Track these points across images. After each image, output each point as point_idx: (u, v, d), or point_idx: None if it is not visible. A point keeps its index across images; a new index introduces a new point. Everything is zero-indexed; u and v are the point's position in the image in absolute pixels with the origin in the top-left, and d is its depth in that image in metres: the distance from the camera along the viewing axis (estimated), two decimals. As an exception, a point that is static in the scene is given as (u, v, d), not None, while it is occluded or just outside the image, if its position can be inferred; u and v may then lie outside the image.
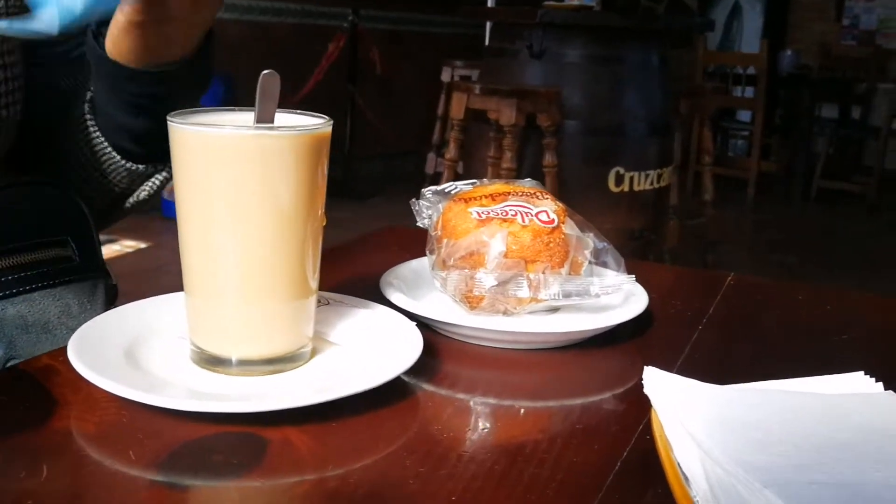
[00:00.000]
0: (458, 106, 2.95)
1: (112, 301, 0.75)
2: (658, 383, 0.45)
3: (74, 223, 0.72)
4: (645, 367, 0.47)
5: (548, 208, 0.63)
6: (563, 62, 2.99)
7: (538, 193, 0.65)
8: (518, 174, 2.90)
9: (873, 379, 0.46)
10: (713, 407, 0.42)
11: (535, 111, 2.81)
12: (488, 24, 3.84)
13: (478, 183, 0.69)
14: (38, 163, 0.78)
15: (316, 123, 0.50)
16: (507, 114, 2.78)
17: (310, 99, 4.39)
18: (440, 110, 4.15)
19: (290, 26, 4.86)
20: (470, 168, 3.11)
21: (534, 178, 2.71)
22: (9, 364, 0.64)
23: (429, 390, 0.54)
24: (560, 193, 2.92)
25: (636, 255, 3.13)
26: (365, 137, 4.99)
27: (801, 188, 5.58)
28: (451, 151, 3.02)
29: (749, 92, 5.60)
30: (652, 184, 3.20)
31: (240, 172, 0.47)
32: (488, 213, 0.63)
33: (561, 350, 0.61)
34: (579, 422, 0.52)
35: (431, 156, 4.42)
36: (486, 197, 0.64)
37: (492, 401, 0.54)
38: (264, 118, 0.49)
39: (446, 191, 0.69)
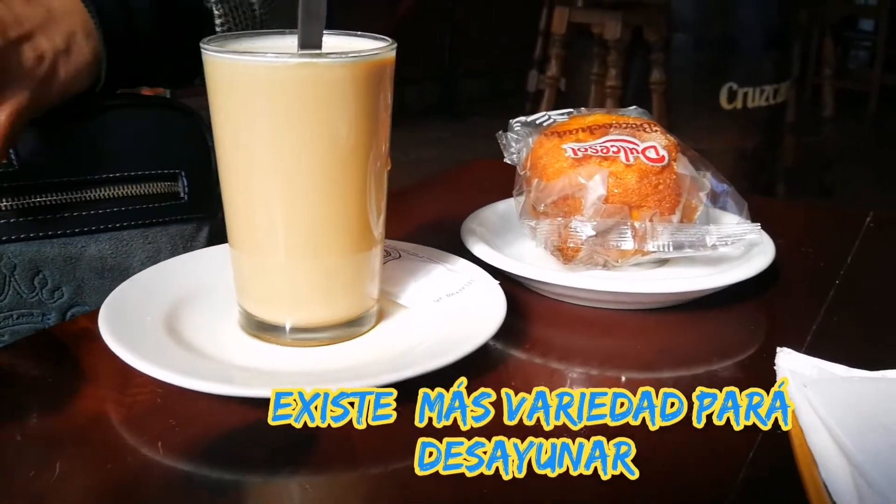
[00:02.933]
0: (559, 20, 2.81)
1: (213, 237, 0.67)
2: (793, 366, 0.36)
3: (193, 153, 0.65)
4: (778, 350, 0.37)
5: (657, 143, 0.54)
6: (673, -30, 2.80)
7: (646, 125, 0.56)
8: (623, 92, 2.75)
9: None
10: (856, 396, 0.33)
11: (642, 24, 2.66)
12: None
13: (574, 113, 0.59)
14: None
15: (374, 48, 0.41)
16: (611, 28, 2.63)
17: (409, 15, 4.27)
18: (542, 24, 3.98)
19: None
20: (573, 86, 2.98)
21: (640, 96, 2.55)
22: (70, 314, 0.59)
23: (517, 358, 0.47)
24: (668, 112, 2.77)
25: (748, 177, 2.96)
26: (465, 54, 4.85)
27: (931, 102, 5.17)
28: (552, 69, 2.89)
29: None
30: (767, 100, 3.00)
31: (284, 108, 0.40)
32: (586, 149, 0.53)
33: (671, 311, 0.52)
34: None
35: (533, 73, 4.25)
36: (583, 130, 0.55)
37: (591, 371, 0.46)
38: (310, 42, 0.41)
39: (538, 122, 0.59)
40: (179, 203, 0.63)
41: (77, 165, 0.57)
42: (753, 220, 0.56)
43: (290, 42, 0.43)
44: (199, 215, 0.64)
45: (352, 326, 0.46)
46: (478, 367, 0.44)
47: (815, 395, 0.34)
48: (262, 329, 0.45)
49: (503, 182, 0.61)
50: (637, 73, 2.84)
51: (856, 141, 4.46)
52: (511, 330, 0.48)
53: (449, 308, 0.47)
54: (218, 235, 0.65)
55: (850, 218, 0.67)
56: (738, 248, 0.54)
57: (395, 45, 0.43)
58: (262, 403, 0.38)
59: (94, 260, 0.59)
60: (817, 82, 3.54)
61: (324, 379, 0.40)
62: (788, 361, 0.37)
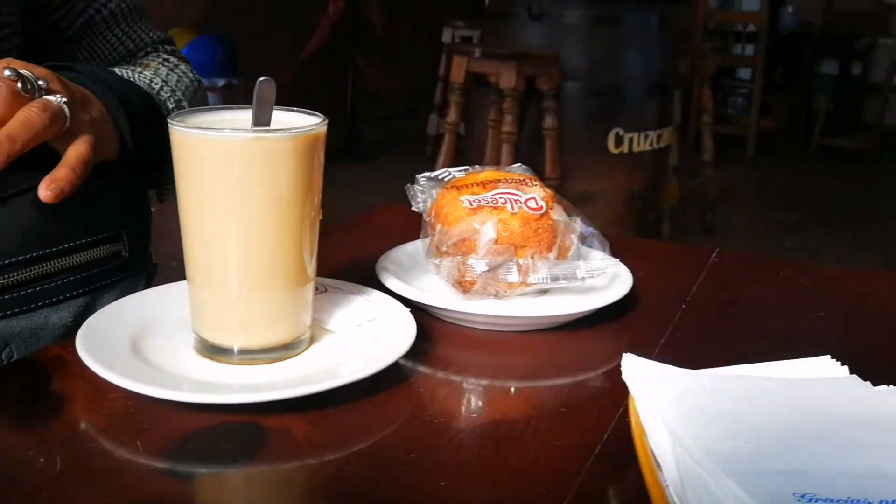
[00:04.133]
0: (458, 70, 2.95)
1: (149, 281, 0.73)
2: (636, 369, 0.47)
3: (133, 212, 0.70)
4: (623, 355, 0.49)
5: (536, 195, 0.66)
6: (562, 24, 2.98)
7: (527, 180, 0.68)
8: (518, 137, 2.91)
9: (839, 363, 0.49)
10: (686, 394, 0.45)
11: (535, 74, 2.82)
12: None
13: (470, 170, 0.71)
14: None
15: (311, 123, 0.52)
16: (506, 77, 2.79)
17: (311, 61, 4.37)
18: (441, 71, 4.14)
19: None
20: (471, 131, 3.12)
21: (534, 141, 2.72)
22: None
23: (423, 373, 0.57)
24: (561, 156, 2.94)
25: (636, 217, 3.15)
26: (367, 99, 4.98)
27: (801, 145, 5.57)
28: (451, 115, 3.03)
29: (749, 50, 5.56)
30: (651, 144, 3.21)
31: (238, 173, 0.50)
32: (479, 201, 0.65)
33: (550, 332, 0.64)
34: (565, 404, 0.54)
35: (433, 117, 4.42)
36: (476, 185, 0.67)
37: (483, 382, 0.57)
38: (261, 121, 0.51)
39: (439, 177, 0.71)
40: (122, 262, 0.68)
41: (38, 240, 0.62)
42: (615, 256, 0.69)
43: (240, 116, 0.54)
44: (138, 270, 0.70)
45: (289, 348, 0.56)
46: (393, 380, 0.54)
47: (649, 385, 0.46)
48: (214, 351, 0.54)
49: (410, 226, 0.72)
50: (531, 119, 3.01)
51: (736, 182, 4.76)
52: (420, 350, 0.58)
53: (368, 332, 0.58)
54: (155, 283, 0.71)
55: (698, 253, 0.81)
56: (603, 280, 0.66)
57: (327, 119, 0.53)
58: (218, 409, 0.48)
59: (57, 328, 0.63)
60: (698, 127, 3.80)
61: (264, 389, 0.50)
62: (631, 364, 0.48)
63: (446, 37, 4.27)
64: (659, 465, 0.40)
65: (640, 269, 0.71)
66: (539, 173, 3.16)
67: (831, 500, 0.34)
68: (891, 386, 0.46)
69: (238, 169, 0.49)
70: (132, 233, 0.69)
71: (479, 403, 0.55)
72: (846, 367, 0.48)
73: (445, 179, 0.70)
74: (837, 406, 0.43)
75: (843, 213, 4.30)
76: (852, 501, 0.34)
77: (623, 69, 3.03)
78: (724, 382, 0.46)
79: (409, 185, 0.71)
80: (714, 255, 0.80)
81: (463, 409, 0.54)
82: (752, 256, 0.84)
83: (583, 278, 0.64)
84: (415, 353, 0.57)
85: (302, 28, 4.50)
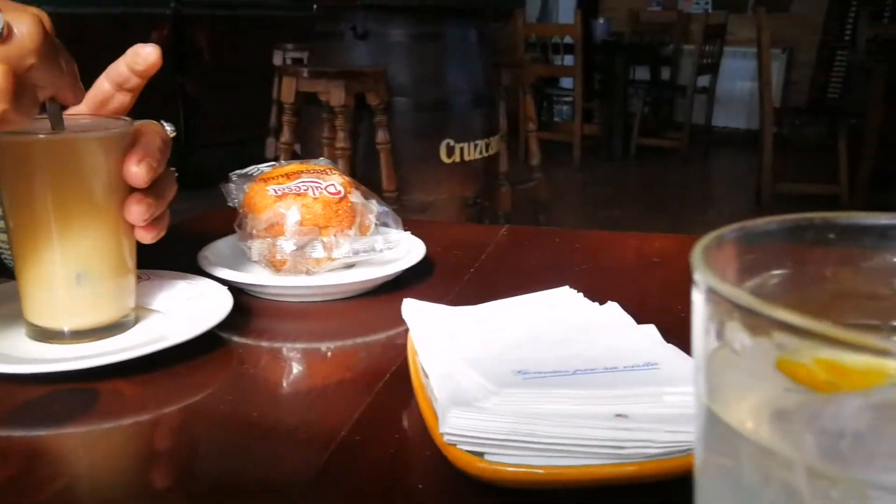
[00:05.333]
0: (288, 90, 3.01)
1: None
2: (413, 309, 0.57)
3: None
4: (404, 300, 0.59)
5: (335, 182, 0.75)
6: (388, 42, 3.10)
7: (327, 170, 0.77)
8: (353, 153, 3.01)
9: (574, 290, 0.61)
10: (450, 320, 0.55)
11: (364, 91, 2.92)
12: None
13: (276, 165, 0.79)
14: None
15: (114, 125, 0.59)
16: (336, 95, 2.87)
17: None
18: (274, 94, 4.18)
19: (109, 18, 4.73)
20: (307, 150, 3.19)
21: (369, 155, 2.82)
22: None
23: (241, 342, 0.65)
24: (397, 168, 3.05)
25: (473, 223, 3.31)
26: (202, 126, 4.94)
27: (622, 147, 5.95)
28: (285, 135, 3.09)
29: (569, 60, 5.91)
30: (481, 153, 3.37)
31: (48, 172, 0.57)
32: (284, 189, 0.73)
33: (356, 299, 0.73)
34: (367, 355, 0.64)
35: (270, 140, 4.44)
36: (282, 176, 0.75)
37: (297, 346, 0.66)
38: (56, 125, 0.58)
39: (250, 173, 0.79)
40: None
41: None
42: (415, 234, 0.79)
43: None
44: None
45: (116, 328, 0.62)
46: (215, 348, 0.62)
47: (424, 319, 0.56)
48: (46, 335, 0.60)
49: (229, 224, 0.80)
50: (364, 134, 3.11)
51: (565, 184, 5.04)
52: (239, 324, 0.66)
53: (190, 308, 0.65)
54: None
55: (490, 230, 0.93)
56: (400, 251, 0.76)
57: (132, 122, 0.61)
58: (51, 378, 0.55)
59: None
60: (525, 135, 4.01)
61: (93, 358, 0.56)
62: (410, 305, 0.58)
63: (277, 59, 4.31)
64: (426, 374, 0.50)
65: (437, 245, 0.81)
66: (377, 187, 3.26)
67: (540, 373, 0.45)
68: (608, 303, 0.58)
69: (47, 168, 0.56)
70: None
71: (293, 364, 0.63)
72: (581, 294, 0.60)
73: (255, 175, 0.78)
74: (558, 314, 0.55)
75: (660, 204, 4.64)
76: (556, 372, 0.45)
77: (448, 82, 3.18)
78: (479, 310, 0.57)
79: (223, 183, 0.79)
80: (503, 230, 0.92)
81: (279, 369, 0.62)
82: (535, 230, 0.96)
83: (381, 250, 0.74)
84: (234, 326, 0.65)
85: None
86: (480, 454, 0.41)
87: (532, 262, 0.84)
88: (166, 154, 0.61)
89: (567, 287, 0.61)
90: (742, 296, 0.21)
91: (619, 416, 0.41)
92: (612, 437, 0.40)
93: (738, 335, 0.22)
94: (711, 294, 0.22)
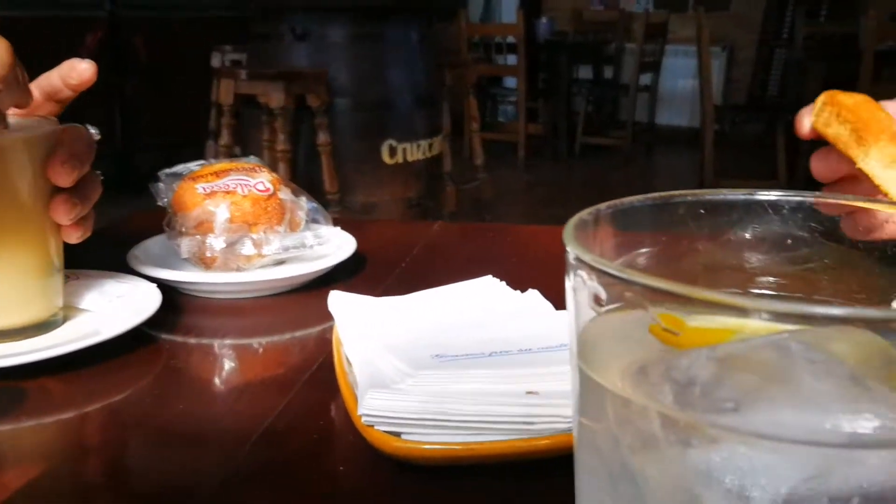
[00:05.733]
0: (226, 92, 3.00)
1: None
2: (339, 301, 0.58)
3: None
4: (330, 292, 0.60)
5: (264, 179, 0.76)
6: (327, 42, 3.10)
7: (256, 168, 0.78)
8: (294, 155, 3.00)
9: (497, 279, 0.63)
10: (374, 311, 0.57)
11: (304, 92, 2.91)
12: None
13: (205, 163, 0.80)
14: None
15: (38, 127, 0.60)
16: (275, 97, 2.86)
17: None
18: (213, 97, 4.14)
19: (42, 20, 4.64)
20: (247, 152, 3.13)
21: (311, 157, 2.81)
22: None
23: (172, 339, 0.66)
24: (338, 170, 3.05)
25: (416, 222, 3.32)
26: (140, 129, 4.88)
27: (567, 146, 6.02)
28: (224, 137, 3.07)
29: (512, 60, 5.96)
30: (424, 153, 3.38)
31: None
32: (213, 187, 0.74)
33: (287, 294, 0.74)
34: (299, 349, 0.65)
35: (210, 143, 4.40)
36: (211, 174, 0.76)
37: (226, 341, 0.66)
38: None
39: (178, 172, 0.79)
40: None
41: None
42: (346, 231, 0.80)
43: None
44: None
45: (43, 327, 0.63)
46: (145, 345, 0.63)
47: (350, 310, 0.57)
48: (-29, 335, 0.60)
49: (160, 224, 0.80)
50: (305, 136, 3.10)
51: (509, 184, 5.08)
52: (169, 321, 0.67)
53: (118, 306, 0.66)
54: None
55: (423, 226, 0.94)
56: (330, 247, 0.77)
57: (58, 123, 0.61)
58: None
59: None
60: (469, 135, 4.04)
61: (18, 353, 0.56)
62: (336, 297, 0.59)
63: (215, 61, 4.27)
64: (349, 363, 0.51)
65: (368, 241, 0.82)
66: (319, 188, 3.23)
67: (456, 356, 0.47)
68: (529, 291, 0.60)
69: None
70: None
71: (223, 359, 0.64)
72: (503, 283, 0.62)
73: (184, 173, 0.78)
74: (479, 302, 0.57)
75: (604, 201, 4.69)
76: (472, 355, 0.47)
77: (390, 83, 3.18)
78: (403, 300, 0.59)
79: (152, 183, 0.79)
80: (435, 226, 0.94)
81: (208, 365, 0.63)
82: (467, 226, 0.98)
83: (311, 246, 0.75)
84: (164, 323, 0.65)
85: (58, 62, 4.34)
86: (397, 434, 0.42)
87: (462, 256, 0.86)
88: (90, 155, 0.62)
89: (490, 276, 0.63)
90: (609, 264, 0.23)
91: (529, 392, 0.43)
92: (522, 413, 0.42)
93: (611, 303, 0.24)
94: (580, 264, 0.24)
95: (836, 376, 0.21)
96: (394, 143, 3.26)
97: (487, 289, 0.61)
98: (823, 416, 0.21)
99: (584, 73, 6.56)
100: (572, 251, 0.24)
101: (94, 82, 0.64)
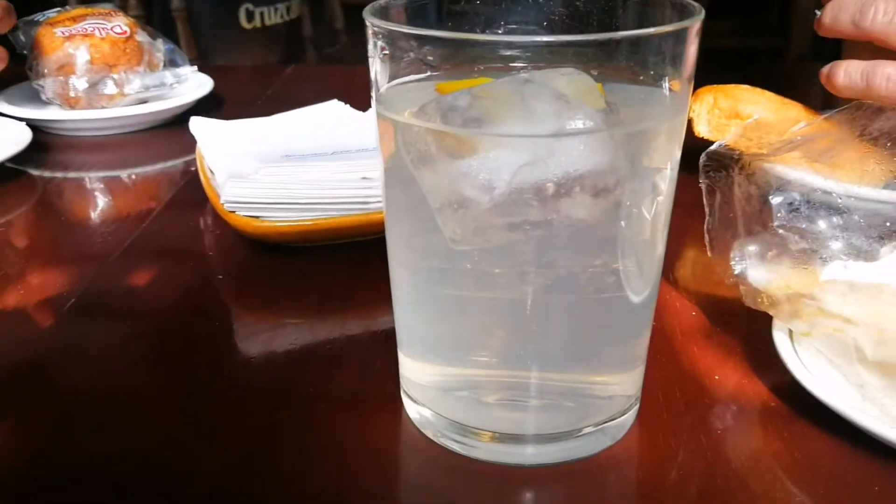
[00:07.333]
0: (68, -45, 2.85)
1: None
2: (200, 125, 0.65)
3: None
4: (191, 118, 0.67)
5: (120, 23, 0.80)
6: None
7: (112, 13, 0.82)
8: (148, 20, 2.91)
9: (343, 103, 0.71)
10: (235, 131, 0.64)
11: (153, -46, 2.80)
12: None
13: (61, 10, 0.83)
14: None
15: None
16: (122, -41, 2.75)
17: None
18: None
19: None
20: (96, 20, 3.05)
21: (167, 23, 2.73)
22: None
23: (40, 174, 0.71)
24: (196, 37, 2.98)
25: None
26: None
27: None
28: (72, 2, 2.94)
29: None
30: (282, 17, 3.32)
31: None
32: (71, 31, 0.78)
33: (150, 130, 0.80)
34: (161, 180, 0.72)
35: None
36: (68, 19, 0.80)
37: (99, 174, 0.72)
38: None
39: (35, 20, 0.82)
40: None
41: None
42: (203, 72, 0.86)
43: None
44: None
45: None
46: (18, 180, 0.68)
47: (212, 133, 0.64)
48: None
49: (22, 72, 0.83)
50: (159, 2, 3.01)
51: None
52: (39, 159, 0.72)
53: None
54: None
55: (277, 69, 1.00)
56: (189, 87, 0.83)
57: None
58: None
59: None
60: (328, -1, 3.97)
61: None
62: (197, 122, 0.66)
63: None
64: (212, 172, 0.59)
65: (225, 83, 0.88)
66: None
67: (303, 155, 0.55)
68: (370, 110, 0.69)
69: None
70: None
71: (94, 191, 0.70)
72: (348, 105, 0.71)
73: (41, 20, 0.82)
74: (324, 118, 0.66)
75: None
76: (316, 154, 0.56)
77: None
78: (258, 121, 0.67)
79: (10, 32, 0.82)
80: (289, 69, 1.00)
81: (83, 194, 0.69)
82: (320, 68, 1.04)
83: (171, 85, 0.81)
84: (36, 160, 0.71)
85: None
86: (256, 216, 0.51)
87: (313, 92, 0.92)
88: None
89: (335, 100, 0.71)
90: (399, 26, 0.32)
91: (364, 178, 0.52)
92: (359, 195, 0.51)
93: (402, 63, 0.33)
94: (375, 29, 0.33)
95: (549, 97, 0.31)
96: (251, 6, 3.17)
97: (333, 109, 0.69)
98: (538, 119, 0.31)
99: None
100: (370, 22, 0.33)
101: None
